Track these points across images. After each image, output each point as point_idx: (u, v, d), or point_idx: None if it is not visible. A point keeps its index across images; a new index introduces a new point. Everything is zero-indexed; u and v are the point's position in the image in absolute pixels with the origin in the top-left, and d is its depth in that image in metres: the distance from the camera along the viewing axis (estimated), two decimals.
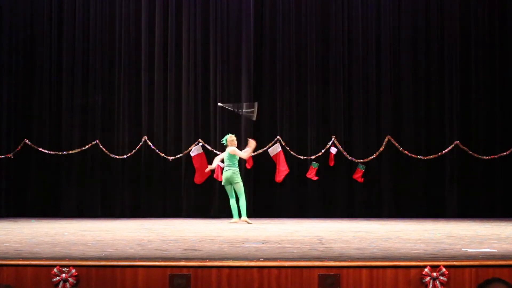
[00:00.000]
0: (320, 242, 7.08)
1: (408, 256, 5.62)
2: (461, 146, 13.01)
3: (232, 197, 11.11)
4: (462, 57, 13.30)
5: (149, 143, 13.22)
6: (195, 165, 13.06)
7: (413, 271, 5.02)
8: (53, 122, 13.45)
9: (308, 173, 13.07)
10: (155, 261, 5.17)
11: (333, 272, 4.97)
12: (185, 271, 4.99)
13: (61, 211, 13.22)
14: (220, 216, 12.63)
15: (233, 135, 11.40)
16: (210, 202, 13.22)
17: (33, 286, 5.02)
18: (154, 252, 6.00)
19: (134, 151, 13.20)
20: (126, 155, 13.23)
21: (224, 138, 11.39)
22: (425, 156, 13.08)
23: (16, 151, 13.22)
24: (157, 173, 13.29)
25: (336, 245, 6.78)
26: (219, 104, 12.14)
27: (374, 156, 13.11)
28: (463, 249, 6.25)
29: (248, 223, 10.77)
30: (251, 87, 13.32)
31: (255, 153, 13.08)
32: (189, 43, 13.44)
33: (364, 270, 5.00)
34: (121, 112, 13.40)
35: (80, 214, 13.01)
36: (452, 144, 13.02)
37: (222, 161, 11.71)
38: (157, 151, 13.19)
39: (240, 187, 11.03)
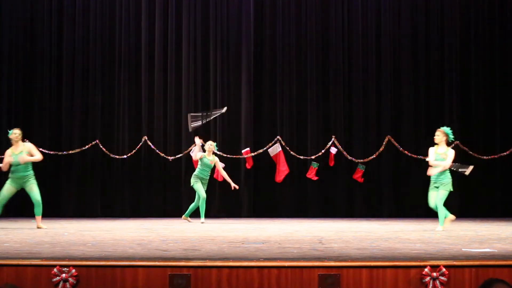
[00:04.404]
0: (320, 242, 7.08)
1: (408, 256, 5.62)
2: (461, 146, 13.01)
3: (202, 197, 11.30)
4: (462, 57, 13.30)
5: (149, 143, 13.22)
6: (195, 165, 13.05)
7: (413, 271, 5.02)
8: (53, 122, 13.45)
9: (308, 173, 13.07)
10: (155, 261, 5.17)
11: (333, 272, 4.97)
12: (185, 271, 4.99)
13: (61, 211, 13.22)
14: (220, 216, 12.64)
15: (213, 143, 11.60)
16: (210, 202, 13.21)
17: (33, 286, 5.02)
18: (154, 252, 6.00)
19: (134, 151, 13.20)
20: (126, 155, 13.23)
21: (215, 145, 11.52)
22: (425, 156, 13.04)
23: None
24: (157, 173, 13.29)
25: (336, 245, 6.78)
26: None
27: (374, 156, 13.11)
28: (463, 249, 6.25)
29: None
30: (251, 87, 13.32)
31: (256, 153, 13.08)
32: (189, 43, 13.44)
33: (364, 270, 5.00)
34: (121, 112, 13.39)
35: (80, 214, 13.00)
36: (452, 144, 13.01)
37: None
38: (157, 151, 13.19)
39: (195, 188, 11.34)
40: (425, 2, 13.42)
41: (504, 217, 12.32)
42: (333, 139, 13.15)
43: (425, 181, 13.17)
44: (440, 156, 9.21)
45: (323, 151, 13.15)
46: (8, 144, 13.22)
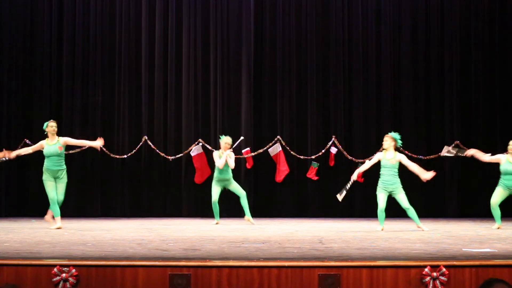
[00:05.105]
0: (320, 242, 7.09)
1: (408, 256, 5.63)
2: (461, 146, 13.00)
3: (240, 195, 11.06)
4: (462, 57, 13.30)
5: (149, 143, 13.22)
6: (195, 165, 13.06)
7: (413, 271, 5.02)
8: None
9: (308, 173, 13.07)
10: (155, 261, 5.17)
11: (333, 272, 4.98)
12: (185, 271, 4.99)
13: (61, 211, 13.16)
14: (220, 216, 12.61)
15: (227, 138, 11.16)
16: (210, 202, 13.19)
17: (33, 286, 5.02)
18: (154, 252, 6.01)
19: (134, 151, 13.20)
20: (126, 155, 13.23)
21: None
22: (425, 156, 13.07)
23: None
24: (157, 173, 13.28)
25: (336, 245, 6.78)
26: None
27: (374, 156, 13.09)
28: (463, 249, 6.26)
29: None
30: (251, 87, 13.32)
31: (256, 153, 13.08)
32: (189, 43, 13.44)
33: (364, 270, 5.00)
34: (121, 112, 13.39)
35: (80, 214, 12.99)
36: (452, 144, 13.01)
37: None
38: (157, 151, 13.19)
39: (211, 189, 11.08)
40: (425, 2, 13.42)
41: (504, 217, 12.31)
42: (333, 139, 13.15)
43: (425, 181, 13.24)
44: (389, 161, 9.49)
45: (323, 151, 13.14)
46: (8, 144, 13.30)
